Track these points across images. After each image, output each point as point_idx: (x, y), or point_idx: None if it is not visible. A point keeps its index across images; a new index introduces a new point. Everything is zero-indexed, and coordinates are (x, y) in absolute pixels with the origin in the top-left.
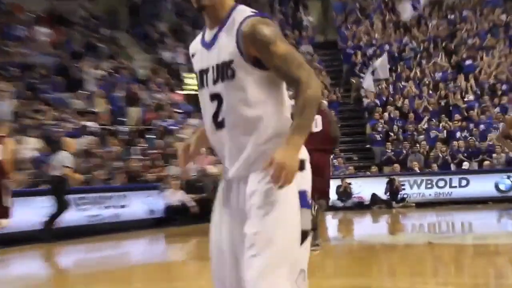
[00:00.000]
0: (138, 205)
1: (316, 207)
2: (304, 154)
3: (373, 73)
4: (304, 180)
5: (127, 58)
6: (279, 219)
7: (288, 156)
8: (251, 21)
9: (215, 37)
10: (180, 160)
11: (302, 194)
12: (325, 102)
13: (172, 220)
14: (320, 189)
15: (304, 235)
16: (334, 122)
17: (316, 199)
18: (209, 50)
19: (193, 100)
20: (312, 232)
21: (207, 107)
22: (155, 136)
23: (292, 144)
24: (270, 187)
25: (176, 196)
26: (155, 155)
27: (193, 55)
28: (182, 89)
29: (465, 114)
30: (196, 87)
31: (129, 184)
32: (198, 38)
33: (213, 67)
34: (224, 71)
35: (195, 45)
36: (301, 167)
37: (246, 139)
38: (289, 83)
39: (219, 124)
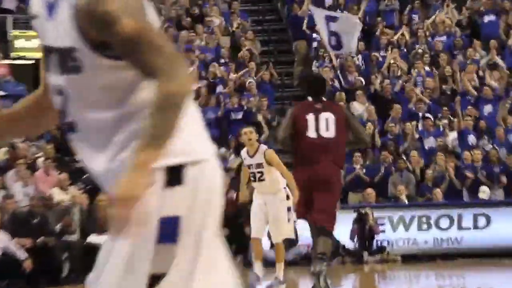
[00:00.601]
0: None
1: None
2: (182, 155)
3: (336, 42)
4: (172, 201)
5: None
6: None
7: (127, 185)
8: None
9: (56, 2)
10: None
11: (165, 223)
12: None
13: None
14: (325, 213)
15: (154, 279)
16: (356, 122)
17: (317, 229)
18: (50, 19)
19: (26, 74)
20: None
21: (54, 100)
22: None
23: (138, 164)
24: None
25: None
26: None
27: (34, 16)
28: (8, 56)
29: (484, 106)
30: (31, 55)
31: None
32: None
33: (55, 50)
34: (66, 61)
35: (36, 2)
36: (171, 180)
37: (104, 149)
38: (145, 75)
39: (68, 127)
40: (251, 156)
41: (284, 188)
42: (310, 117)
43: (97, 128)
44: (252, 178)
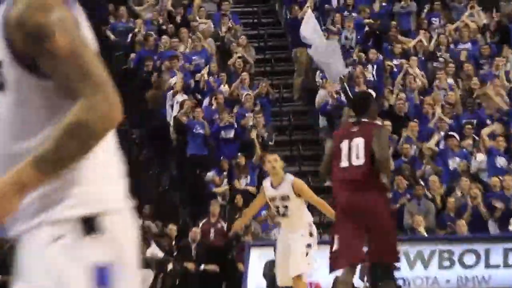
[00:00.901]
0: None
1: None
2: (94, 205)
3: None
4: (95, 250)
5: None
6: None
7: None
8: (22, 0)
9: None
10: None
11: (99, 272)
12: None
13: None
14: (385, 251)
15: None
16: (383, 140)
17: (378, 269)
18: None
19: None
20: None
21: None
22: None
23: (14, 176)
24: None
25: None
26: None
27: None
28: None
29: None
30: None
31: None
32: None
33: None
34: None
35: None
36: (88, 229)
37: None
38: (67, 97)
39: None
40: (275, 187)
41: (310, 225)
42: (344, 146)
43: (7, 163)
44: (275, 213)
